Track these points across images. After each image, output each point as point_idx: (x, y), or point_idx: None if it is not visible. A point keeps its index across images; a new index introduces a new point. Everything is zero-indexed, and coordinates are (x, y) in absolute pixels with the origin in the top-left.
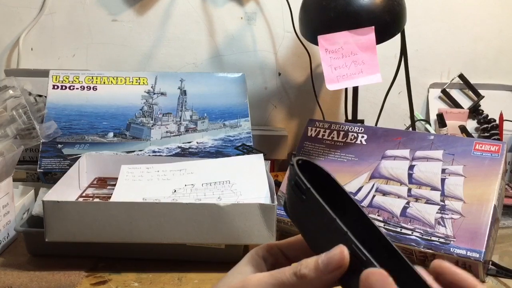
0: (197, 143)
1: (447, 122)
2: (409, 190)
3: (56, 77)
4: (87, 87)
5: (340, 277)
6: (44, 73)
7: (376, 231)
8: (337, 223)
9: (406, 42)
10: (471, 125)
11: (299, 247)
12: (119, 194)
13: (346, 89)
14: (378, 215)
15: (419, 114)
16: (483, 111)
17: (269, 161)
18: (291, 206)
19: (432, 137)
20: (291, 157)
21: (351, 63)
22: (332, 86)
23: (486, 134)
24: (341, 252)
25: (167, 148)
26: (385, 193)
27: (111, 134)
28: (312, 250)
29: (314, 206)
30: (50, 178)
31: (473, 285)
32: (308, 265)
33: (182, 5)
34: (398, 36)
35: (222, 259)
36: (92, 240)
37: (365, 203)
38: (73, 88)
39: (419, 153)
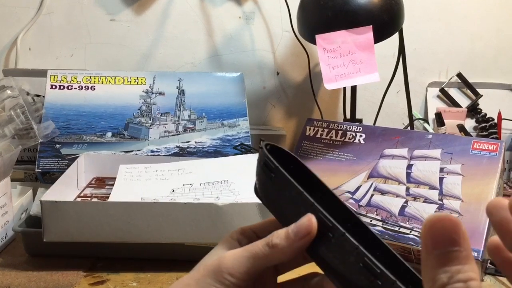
0: (196, 142)
1: (445, 121)
2: (408, 189)
3: (54, 77)
4: (85, 87)
5: (309, 246)
6: (42, 73)
7: (345, 209)
8: (304, 195)
9: (404, 41)
10: (470, 124)
11: (272, 228)
12: (117, 194)
13: (344, 88)
14: (376, 214)
15: (417, 113)
16: (481, 110)
17: None
18: (261, 187)
19: (430, 136)
20: (259, 142)
21: (349, 62)
22: (330, 86)
23: (484, 133)
24: (309, 219)
25: (165, 147)
26: (383, 192)
27: (109, 134)
28: (283, 226)
29: (282, 182)
30: (48, 178)
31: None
32: (279, 235)
33: (180, 5)
34: (396, 35)
35: None
36: (90, 240)
37: (364, 202)
38: (71, 88)
39: (417, 152)
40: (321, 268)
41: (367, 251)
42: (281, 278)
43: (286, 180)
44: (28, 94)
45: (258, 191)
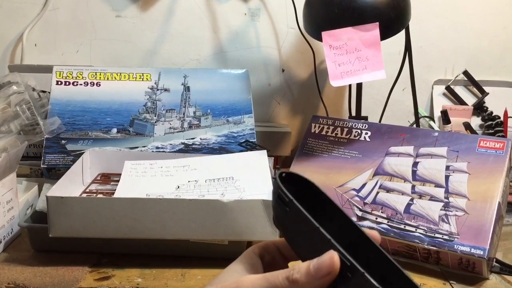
0: (201, 139)
1: (451, 119)
2: (413, 187)
3: (60, 73)
4: (90, 83)
5: (331, 283)
6: (48, 69)
7: (363, 234)
8: (320, 231)
9: (411, 39)
10: (476, 122)
11: None
12: (123, 190)
13: (350, 85)
14: (381, 212)
15: (423, 110)
16: (487, 108)
17: (273, 158)
18: (277, 218)
19: (436, 134)
20: (274, 171)
21: (355, 59)
22: (336, 83)
23: (490, 131)
24: (331, 257)
25: (170, 144)
26: (389, 190)
27: (114, 130)
28: (299, 258)
29: (298, 216)
30: (54, 174)
31: None
32: (300, 270)
33: (185, 1)
34: (402, 32)
35: (225, 255)
36: (96, 235)
37: (369, 200)
38: (77, 84)
39: (423, 150)
40: None
41: (389, 283)
42: None
43: (302, 214)
44: (34, 90)
45: (275, 222)
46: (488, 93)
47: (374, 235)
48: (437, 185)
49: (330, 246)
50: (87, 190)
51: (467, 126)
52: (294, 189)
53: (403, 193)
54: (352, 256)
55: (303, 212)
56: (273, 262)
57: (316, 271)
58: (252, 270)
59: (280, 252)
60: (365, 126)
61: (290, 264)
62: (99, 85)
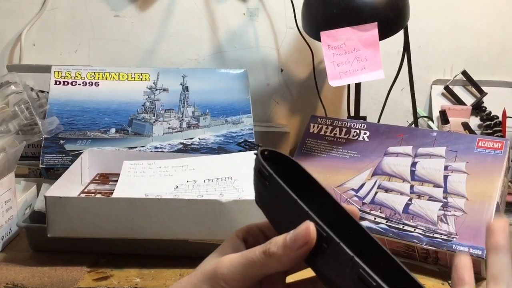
0: (199, 139)
1: (450, 119)
2: (412, 187)
3: (58, 73)
4: (89, 82)
5: (308, 256)
6: (46, 69)
7: (347, 215)
8: (298, 203)
9: (409, 39)
10: (474, 122)
11: None
12: (121, 190)
13: (348, 85)
14: (380, 212)
15: (421, 110)
16: (486, 108)
17: None
18: (258, 194)
19: (434, 134)
20: (257, 148)
21: (354, 59)
22: (334, 83)
23: (489, 131)
24: (306, 228)
25: (169, 144)
26: (387, 190)
27: (113, 130)
28: (279, 234)
29: (277, 189)
30: (52, 173)
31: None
32: (277, 243)
33: (184, 1)
34: (401, 32)
35: None
36: (94, 235)
37: (368, 200)
38: (75, 84)
39: (421, 150)
40: (319, 279)
41: (368, 260)
42: (290, 278)
43: (281, 187)
44: (32, 89)
45: (256, 199)
46: (486, 93)
47: (353, 210)
48: (436, 185)
49: (308, 218)
50: (86, 190)
51: (466, 126)
52: (276, 167)
53: (401, 193)
54: (333, 232)
55: (282, 185)
56: (257, 244)
57: (292, 242)
58: (234, 252)
59: (264, 234)
60: (364, 126)
61: None
62: (98, 85)
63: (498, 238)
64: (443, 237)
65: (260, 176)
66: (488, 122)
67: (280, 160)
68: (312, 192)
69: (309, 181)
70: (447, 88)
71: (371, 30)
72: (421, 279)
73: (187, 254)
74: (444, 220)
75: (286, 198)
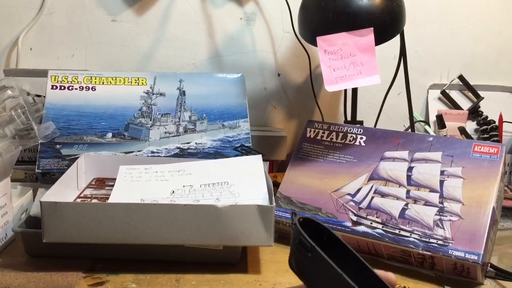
0: (196, 143)
1: (446, 123)
2: (408, 191)
3: (55, 77)
4: (86, 87)
5: None
6: (43, 73)
7: (378, 278)
8: (343, 278)
9: (406, 43)
10: (471, 126)
11: None
12: (117, 195)
13: (345, 90)
14: (376, 217)
15: (418, 115)
16: (482, 112)
17: (268, 162)
18: (297, 262)
19: (431, 138)
20: (292, 216)
21: (350, 64)
22: (331, 88)
23: (485, 136)
24: None
25: (165, 148)
26: (383, 195)
27: (109, 135)
28: None
29: (320, 262)
30: (49, 178)
31: None
32: None
33: (181, 6)
34: (398, 37)
35: (220, 260)
36: (90, 241)
37: (364, 204)
38: (72, 89)
39: (418, 155)
40: None
41: None
42: None
43: (324, 261)
44: (28, 94)
45: (293, 266)
46: (483, 98)
47: (391, 278)
48: (432, 190)
49: None
50: (82, 195)
51: (462, 130)
52: (309, 233)
53: (398, 198)
54: None
55: (326, 258)
56: None
57: None
58: None
59: None
60: (360, 130)
61: None
62: (94, 89)
63: None
64: (439, 242)
65: (301, 246)
66: (484, 127)
67: (311, 226)
68: (345, 256)
69: (340, 245)
70: (443, 93)
71: (367, 35)
72: (417, 284)
73: (183, 259)
74: (440, 225)
75: (330, 271)
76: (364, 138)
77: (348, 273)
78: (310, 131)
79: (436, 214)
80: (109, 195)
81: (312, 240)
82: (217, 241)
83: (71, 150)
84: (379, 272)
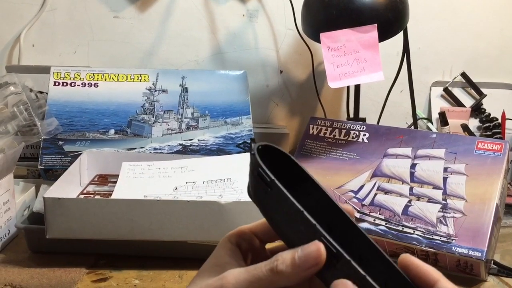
0: (198, 140)
1: (449, 120)
2: (411, 188)
3: (57, 74)
4: (88, 84)
5: None
6: (45, 70)
7: (339, 209)
8: (304, 215)
9: (409, 40)
10: (473, 123)
11: (271, 229)
12: (120, 191)
13: (348, 87)
14: (379, 214)
15: (421, 112)
16: (485, 109)
17: None
18: (255, 194)
19: (434, 135)
20: (251, 144)
21: (353, 61)
22: (334, 84)
23: (488, 133)
24: (318, 249)
25: (168, 145)
26: (386, 192)
27: (112, 131)
28: (280, 238)
29: (280, 197)
30: (51, 175)
31: (436, 278)
32: (284, 261)
33: (183, 2)
34: (400, 34)
35: None
36: (93, 237)
37: (367, 201)
38: (74, 85)
39: (421, 152)
40: None
41: (366, 261)
42: None
43: (284, 196)
44: (31, 90)
45: (251, 195)
46: (486, 95)
47: (349, 209)
48: (435, 187)
49: (315, 232)
50: (85, 191)
51: (465, 127)
52: (268, 161)
53: (401, 195)
54: (332, 235)
55: (287, 195)
56: (250, 248)
57: (302, 262)
58: (232, 260)
59: (256, 236)
60: (363, 127)
61: (268, 246)
62: (97, 86)
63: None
64: (443, 239)
65: (259, 179)
66: (487, 124)
67: (272, 153)
68: (306, 185)
69: (302, 174)
70: (446, 90)
71: (371, 32)
72: None
73: (186, 256)
74: (444, 222)
75: (290, 207)
76: (367, 135)
77: (310, 205)
78: (313, 128)
79: (439, 211)
80: (112, 191)
81: (273, 169)
82: (220, 238)
83: (73, 146)
84: (340, 205)
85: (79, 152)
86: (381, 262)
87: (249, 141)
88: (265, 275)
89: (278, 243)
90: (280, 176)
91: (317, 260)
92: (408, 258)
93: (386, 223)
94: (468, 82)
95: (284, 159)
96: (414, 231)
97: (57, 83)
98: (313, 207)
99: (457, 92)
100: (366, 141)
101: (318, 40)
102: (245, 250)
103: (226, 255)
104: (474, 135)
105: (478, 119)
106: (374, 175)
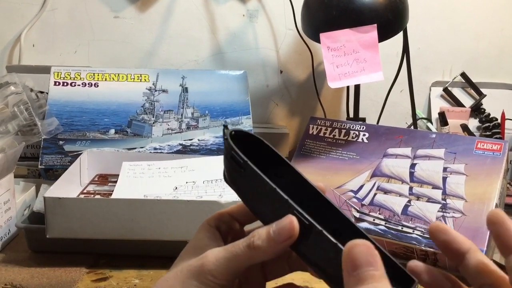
0: (199, 140)
1: (448, 120)
2: (411, 188)
3: (58, 74)
4: (88, 83)
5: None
6: (46, 70)
7: (311, 187)
8: (277, 192)
9: (408, 40)
10: (473, 123)
11: (248, 211)
12: (120, 191)
13: (347, 87)
14: (379, 214)
15: (420, 112)
16: (485, 109)
17: None
18: (231, 177)
19: (433, 135)
20: (224, 130)
21: (353, 61)
22: (334, 84)
23: (488, 133)
24: (290, 222)
25: (168, 145)
26: (386, 192)
27: (112, 131)
28: (257, 218)
29: (253, 177)
30: (51, 174)
31: (467, 246)
32: (260, 236)
33: (184, 2)
34: (400, 34)
35: None
36: (93, 236)
37: (367, 201)
38: (75, 85)
39: (420, 152)
40: (303, 261)
41: (337, 229)
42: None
43: (257, 176)
44: (31, 90)
45: (226, 179)
46: (485, 95)
47: (321, 187)
48: (435, 187)
49: (288, 206)
50: (85, 191)
51: (465, 128)
52: (242, 146)
53: (400, 195)
54: (307, 212)
55: (259, 174)
56: (229, 230)
57: (276, 236)
58: (212, 242)
59: (234, 219)
60: (363, 127)
61: (246, 228)
62: (97, 85)
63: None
64: None
65: (233, 162)
66: (487, 124)
67: (245, 139)
68: (280, 168)
69: (276, 158)
70: (446, 90)
71: (371, 32)
72: None
73: None
74: (443, 221)
75: (263, 186)
76: (367, 135)
77: (284, 186)
78: (313, 127)
79: (439, 211)
80: (112, 191)
81: (246, 154)
82: None
83: (74, 146)
84: (312, 183)
85: (80, 152)
86: (354, 234)
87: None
88: (243, 251)
89: (256, 225)
90: (253, 160)
91: (290, 233)
92: (440, 225)
93: (385, 223)
94: (467, 82)
95: (258, 144)
96: (413, 231)
97: (57, 83)
98: (287, 187)
99: (457, 92)
100: (365, 141)
101: (318, 40)
102: (224, 232)
103: (206, 237)
104: (474, 135)
105: (477, 119)
106: (373, 175)
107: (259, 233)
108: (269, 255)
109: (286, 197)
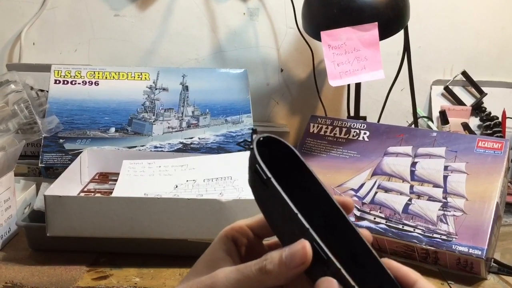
0: (199, 138)
1: (449, 119)
2: (411, 187)
3: (58, 72)
4: (89, 82)
5: (306, 269)
6: (46, 68)
7: (338, 209)
8: (298, 218)
9: (409, 39)
10: (474, 122)
11: (267, 225)
12: (121, 189)
13: (348, 85)
14: (380, 212)
15: (421, 111)
16: (486, 108)
17: None
18: (253, 188)
19: (434, 134)
20: (252, 137)
21: (354, 59)
22: (334, 82)
23: (488, 132)
24: (303, 247)
25: (168, 143)
26: (387, 190)
27: (112, 129)
28: (274, 234)
29: (275, 196)
30: (52, 173)
31: (414, 278)
32: (272, 260)
33: (184, 1)
34: (401, 32)
35: None
36: (94, 235)
37: (367, 199)
38: (75, 83)
39: (421, 150)
40: None
41: (355, 261)
42: None
43: (279, 196)
44: (32, 88)
45: (252, 189)
46: (486, 94)
47: (348, 204)
48: (436, 185)
49: (308, 236)
50: (85, 189)
51: (466, 126)
52: (270, 151)
53: (401, 193)
54: (326, 231)
55: (282, 195)
56: (247, 242)
57: (288, 261)
58: (227, 256)
59: (253, 233)
60: (364, 126)
61: (264, 242)
62: (98, 84)
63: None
64: (443, 237)
65: (256, 176)
66: (487, 123)
67: (275, 144)
68: (305, 179)
69: (303, 167)
70: (447, 89)
71: (372, 30)
72: None
73: (186, 254)
74: (444, 220)
75: (285, 208)
76: (368, 133)
77: (308, 200)
78: (314, 126)
79: (439, 209)
80: (112, 189)
81: (273, 161)
82: None
83: (74, 144)
84: (339, 199)
85: (80, 150)
86: (372, 262)
87: (249, 140)
88: (255, 275)
89: (276, 238)
90: (279, 168)
91: (303, 259)
92: (387, 262)
93: (386, 222)
94: (468, 81)
95: (286, 150)
96: (414, 230)
97: (57, 81)
98: (310, 201)
99: (458, 90)
100: (366, 139)
101: (318, 38)
102: (241, 245)
103: (221, 249)
104: (475, 134)
105: (478, 118)
106: (374, 173)
107: (272, 256)
108: (281, 280)
109: (307, 225)
